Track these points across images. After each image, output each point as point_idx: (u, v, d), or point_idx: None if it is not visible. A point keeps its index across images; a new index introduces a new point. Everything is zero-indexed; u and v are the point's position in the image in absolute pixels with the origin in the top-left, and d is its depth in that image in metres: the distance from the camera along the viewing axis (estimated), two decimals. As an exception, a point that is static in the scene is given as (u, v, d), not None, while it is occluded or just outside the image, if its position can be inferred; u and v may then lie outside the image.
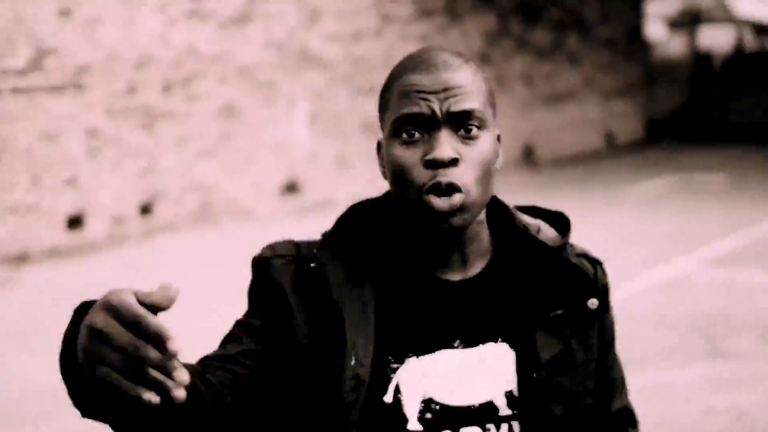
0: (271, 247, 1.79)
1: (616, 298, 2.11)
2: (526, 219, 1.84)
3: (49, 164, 8.78)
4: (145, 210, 9.49)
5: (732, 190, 11.77)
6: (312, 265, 1.74)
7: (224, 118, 10.26)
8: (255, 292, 1.79)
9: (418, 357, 1.73)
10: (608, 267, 1.91)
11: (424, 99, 1.69)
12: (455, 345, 1.75)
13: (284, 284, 1.74)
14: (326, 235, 1.80)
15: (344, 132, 11.59)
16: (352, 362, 1.68)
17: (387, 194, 1.82)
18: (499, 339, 1.76)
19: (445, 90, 1.69)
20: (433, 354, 1.74)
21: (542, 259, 1.79)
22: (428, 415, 1.72)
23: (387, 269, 1.76)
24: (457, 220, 1.68)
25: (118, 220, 9.23)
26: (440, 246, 1.76)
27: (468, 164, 1.68)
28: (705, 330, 6.23)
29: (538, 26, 14.60)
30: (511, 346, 1.76)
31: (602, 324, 1.85)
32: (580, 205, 10.50)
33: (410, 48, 12.35)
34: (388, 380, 1.72)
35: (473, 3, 13.43)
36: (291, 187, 10.99)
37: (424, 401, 1.73)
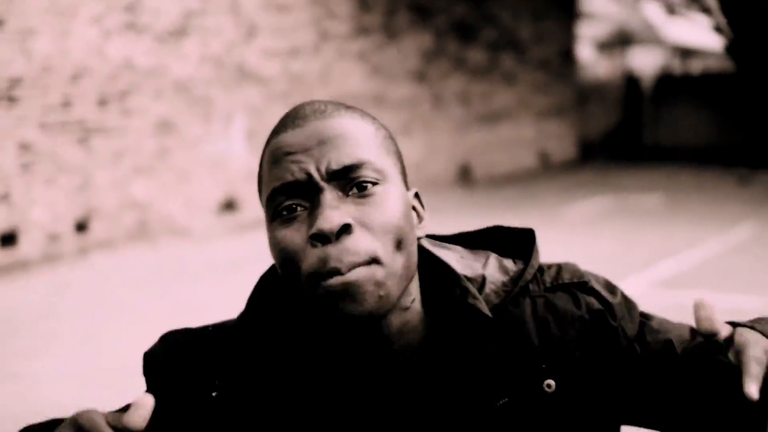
0: (166, 347, 1.45)
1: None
2: (472, 266, 1.45)
3: (-20, 179, 8.50)
4: (81, 227, 9.23)
5: (668, 211, 11.83)
6: (213, 394, 1.38)
7: (160, 134, 10.04)
8: (150, 388, 1.46)
9: None
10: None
11: (296, 161, 1.30)
12: None
13: (179, 389, 1.41)
14: (237, 323, 1.43)
15: (282, 149, 11.43)
16: None
17: None
18: None
19: (320, 144, 1.31)
20: None
21: (481, 331, 1.37)
22: None
23: (300, 362, 1.37)
24: (367, 306, 1.26)
25: (53, 238, 8.96)
26: (356, 344, 1.35)
27: (369, 230, 1.28)
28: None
29: (474, 46, 14.59)
30: None
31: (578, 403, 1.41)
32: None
33: (348, 65, 12.30)
34: None
35: (410, 21, 13.38)
36: (228, 205, 10.80)
37: None
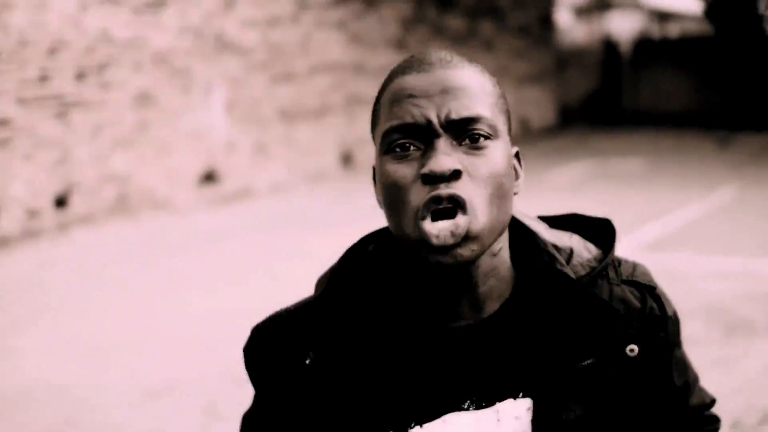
0: (257, 338, 1.55)
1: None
2: (559, 238, 1.54)
3: (-42, 155, 8.41)
4: (60, 202, 9.16)
5: (649, 175, 11.83)
6: (307, 361, 1.48)
7: (139, 107, 9.96)
8: (253, 381, 1.57)
9: (422, 426, 1.46)
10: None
11: (417, 105, 1.40)
12: (465, 406, 1.46)
13: (273, 375, 1.52)
14: (316, 299, 1.52)
15: (262, 119, 11.37)
16: None
17: None
18: (520, 394, 1.47)
19: (443, 92, 1.40)
20: (440, 420, 1.46)
21: (569, 296, 1.48)
22: None
23: (387, 321, 1.47)
24: (462, 252, 1.37)
25: (32, 214, 8.89)
26: (445, 286, 1.45)
27: (475, 179, 1.39)
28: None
29: (453, 13, 14.52)
30: (533, 403, 1.47)
31: (650, 370, 1.53)
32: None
33: (327, 34, 12.22)
34: None
35: (388, -12, 13.30)
36: (209, 177, 10.74)
37: None
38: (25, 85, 8.89)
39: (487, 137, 1.40)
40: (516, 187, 1.48)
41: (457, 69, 1.43)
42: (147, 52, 10.02)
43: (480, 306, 1.47)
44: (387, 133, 1.42)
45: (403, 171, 1.40)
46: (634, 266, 1.57)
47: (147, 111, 10.02)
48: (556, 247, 1.52)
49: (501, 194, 1.41)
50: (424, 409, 1.45)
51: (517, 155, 1.51)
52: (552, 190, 11.11)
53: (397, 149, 1.41)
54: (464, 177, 1.38)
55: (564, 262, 1.50)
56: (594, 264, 1.52)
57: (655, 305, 1.53)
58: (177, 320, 6.42)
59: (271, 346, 1.52)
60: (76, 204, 9.28)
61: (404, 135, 1.40)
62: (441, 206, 1.36)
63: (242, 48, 11.13)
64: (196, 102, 10.57)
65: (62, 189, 9.17)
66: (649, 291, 1.54)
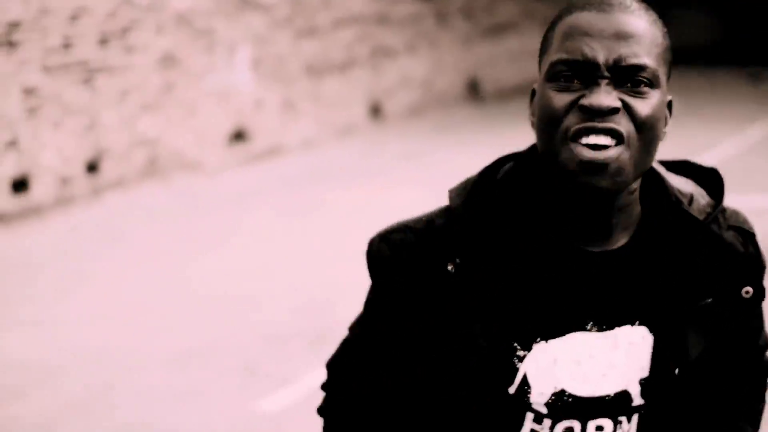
0: (388, 242, 1.57)
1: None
2: (680, 183, 1.61)
3: (-13, 127, 8.43)
4: (91, 168, 9.18)
5: (681, 114, 11.67)
6: (449, 268, 1.53)
7: (164, 69, 9.94)
8: (376, 299, 1.61)
9: (546, 341, 1.53)
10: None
11: (590, 45, 1.46)
12: (588, 327, 1.54)
13: (409, 286, 1.55)
14: (456, 209, 1.56)
15: (288, 76, 11.33)
16: (475, 349, 1.52)
17: (533, 148, 1.59)
18: (637, 322, 1.55)
19: (615, 36, 1.46)
20: (563, 338, 1.54)
21: (693, 236, 1.57)
22: (558, 404, 1.55)
23: (522, 238, 1.54)
24: (607, 181, 1.44)
25: (64, 181, 8.91)
26: (582, 211, 1.52)
27: (631, 119, 1.46)
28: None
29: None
30: (650, 331, 1.55)
31: (754, 312, 1.63)
32: (526, 139, 10.38)
33: (350, -14, 12.12)
34: (514, 370, 1.53)
35: (409, -63, 13.16)
36: (238, 136, 10.73)
37: (554, 394, 1.55)
38: (49, 54, 8.88)
39: (648, 84, 1.46)
40: (662, 133, 1.52)
41: (634, 15, 1.48)
42: (169, 14, 9.98)
43: (609, 236, 1.53)
44: (555, 64, 1.48)
45: (561, 98, 1.46)
46: (736, 213, 1.64)
47: (172, 73, 10.00)
48: (680, 191, 1.59)
49: (652, 138, 1.48)
50: (550, 325, 1.53)
51: (669, 103, 1.54)
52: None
53: (562, 80, 1.47)
54: (621, 114, 1.45)
55: (687, 205, 1.58)
56: (709, 210, 1.59)
57: (754, 251, 1.62)
58: (211, 280, 6.44)
59: (409, 255, 1.55)
60: (107, 169, 9.30)
61: (571, 68, 1.46)
62: (595, 136, 1.44)
63: (264, 5, 11.06)
64: (220, 62, 10.54)
65: (92, 155, 9.19)
66: (750, 238, 1.62)
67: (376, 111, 12.54)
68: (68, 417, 4.68)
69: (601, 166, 1.44)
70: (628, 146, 1.45)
